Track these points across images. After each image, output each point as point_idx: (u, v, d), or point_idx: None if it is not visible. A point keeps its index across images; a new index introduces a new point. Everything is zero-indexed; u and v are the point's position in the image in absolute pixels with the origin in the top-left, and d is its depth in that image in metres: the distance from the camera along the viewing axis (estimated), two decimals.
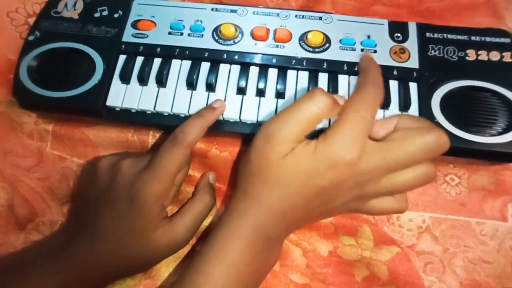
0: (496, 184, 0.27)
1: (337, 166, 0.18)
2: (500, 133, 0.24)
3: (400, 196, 0.21)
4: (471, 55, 0.26)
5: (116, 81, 0.27)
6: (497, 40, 0.27)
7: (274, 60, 0.27)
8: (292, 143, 0.20)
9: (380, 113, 0.26)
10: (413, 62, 0.27)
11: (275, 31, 0.28)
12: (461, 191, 0.27)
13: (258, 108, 0.26)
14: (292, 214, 0.21)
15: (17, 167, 0.28)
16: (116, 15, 0.29)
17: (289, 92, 0.26)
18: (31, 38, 0.28)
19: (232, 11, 0.29)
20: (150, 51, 0.28)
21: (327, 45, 0.27)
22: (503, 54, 0.26)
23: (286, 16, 0.29)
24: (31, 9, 0.32)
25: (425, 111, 0.25)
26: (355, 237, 0.27)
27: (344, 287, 0.26)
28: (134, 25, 0.29)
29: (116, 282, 0.25)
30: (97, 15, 0.29)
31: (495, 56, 0.26)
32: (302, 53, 0.27)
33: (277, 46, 0.28)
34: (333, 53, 0.27)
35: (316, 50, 0.27)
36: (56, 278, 0.22)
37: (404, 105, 0.25)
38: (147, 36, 0.28)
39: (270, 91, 0.26)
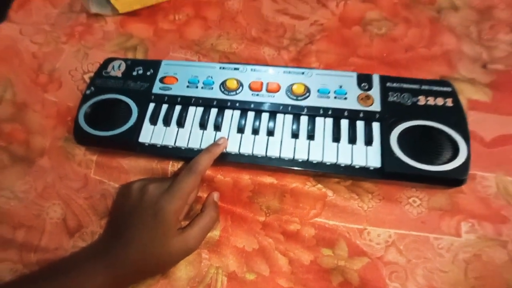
0: (452, 205, 0.32)
1: None
2: (445, 162, 0.30)
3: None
4: (421, 100, 0.33)
5: (146, 123, 0.36)
6: (442, 88, 0.33)
7: (266, 107, 0.35)
8: None
9: (348, 148, 0.32)
10: (376, 106, 0.34)
11: (267, 84, 0.36)
12: (422, 211, 0.32)
13: (253, 143, 0.33)
14: None
15: (70, 188, 0.37)
16: (148, 73, 0.39)
17: (278, 131, 0.34)
18: (88, 92, 0.38)
19: (235, 68, 0.38)
20: (172, 100, 0.36)
21: (308, 94, 0.35)
22: (446, 100, 0.33)
23: (277, 72, 0.37)
24: (86, 68, 0.43)
25: (385, 145, 0.31)
26: (333, 248, 0.32)
27: None
28: (161, 80, 0.38)
29: (140, 281, 0.32)
30: (134, 73, 0.39)
31: (440, 101, 0.33)
32: (288, 101, 0.35)
33: (269, 96, 0.36)
34: (312, 100, 0.35)
35: (299, 98, 0.35)
36: (98, 276, 0.28)
37: (368, 140, 0.32)
38: (171, 88, 0.37)
39: (263, 130, 0.34)
